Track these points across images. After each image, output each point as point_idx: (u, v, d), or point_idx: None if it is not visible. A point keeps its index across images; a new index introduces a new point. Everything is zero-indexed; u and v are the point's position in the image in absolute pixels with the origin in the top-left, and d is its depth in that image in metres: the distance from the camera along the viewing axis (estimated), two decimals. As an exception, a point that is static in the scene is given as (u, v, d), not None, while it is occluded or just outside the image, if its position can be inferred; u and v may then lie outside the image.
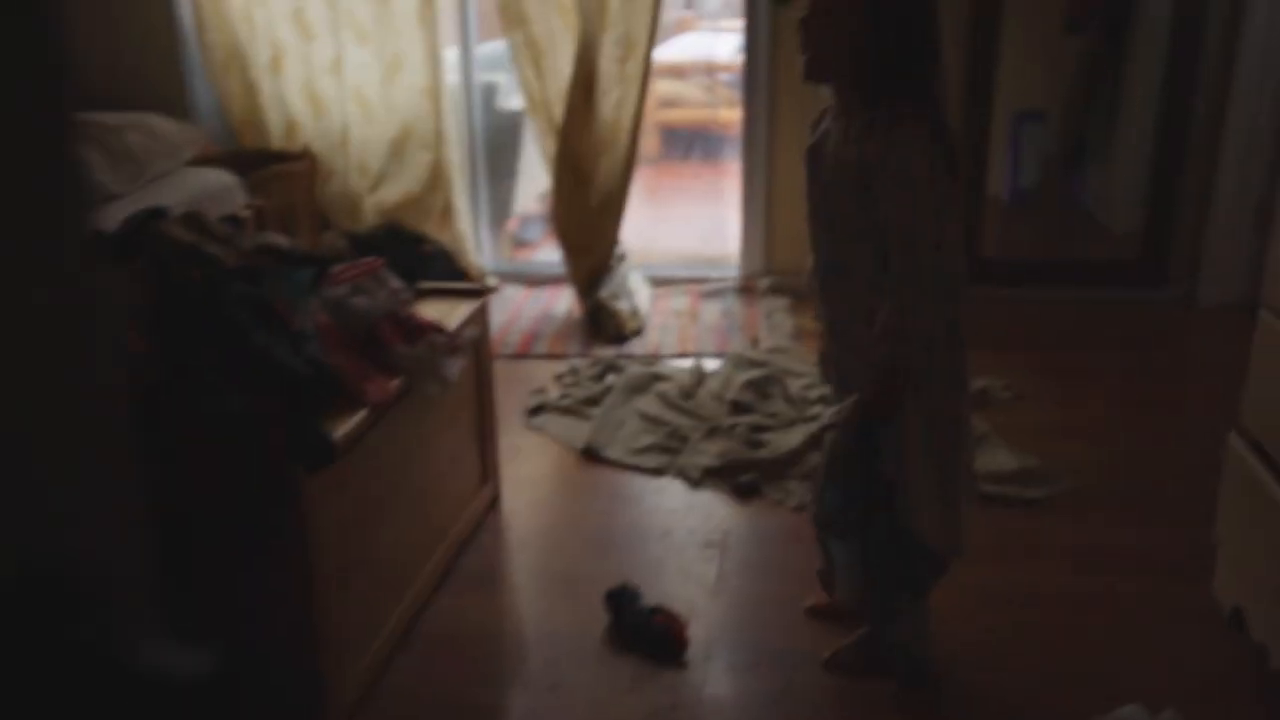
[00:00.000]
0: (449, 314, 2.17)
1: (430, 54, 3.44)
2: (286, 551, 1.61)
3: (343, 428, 1.65)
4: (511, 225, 4.21)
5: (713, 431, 2.66)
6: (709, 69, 6.09)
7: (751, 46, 3.51)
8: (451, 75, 3.63)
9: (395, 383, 1.84)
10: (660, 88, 6.08)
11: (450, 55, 3.61)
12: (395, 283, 2.06)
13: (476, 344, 2.25)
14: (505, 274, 3.82)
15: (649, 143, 6.05)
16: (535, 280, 3.79)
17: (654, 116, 6.06)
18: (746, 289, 3.67)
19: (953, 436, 1.67)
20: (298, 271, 1.88)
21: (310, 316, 1.80)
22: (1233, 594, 1.88)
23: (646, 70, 3.27)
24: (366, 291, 1.97)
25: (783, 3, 3.04)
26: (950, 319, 1.62)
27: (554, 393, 2.92)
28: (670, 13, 6.20)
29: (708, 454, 2.56)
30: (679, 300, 3.61)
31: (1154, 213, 3.48)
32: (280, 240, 2.06)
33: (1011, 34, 3.53)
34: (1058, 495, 2.40)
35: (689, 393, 2.88)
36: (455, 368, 2.02)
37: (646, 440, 2.65)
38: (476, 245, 3.79)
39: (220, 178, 3.15)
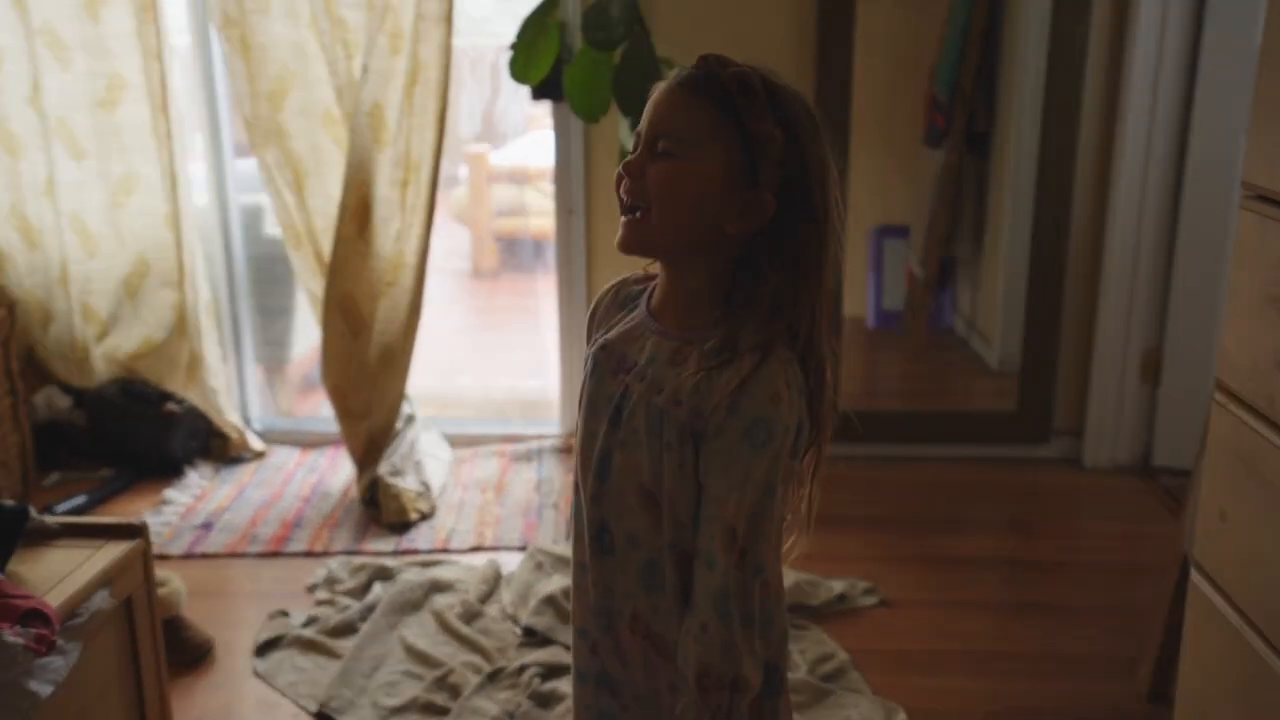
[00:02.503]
0: (77, 568, 1.49)
1: (166, 173, 2.79)
2: None
3: None
4: (301, 368, 3.52)
5: (494, 676, 2.01)
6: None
7: (564, 152, 2.95)
8: (202, 196, 2.98)
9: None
10: (500, 195, 5.54)
11: (199, 173, 2.96)
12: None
13: (130, 608, 1.57)
14: (278, 434, 3.14)
15: (486, 256, 5.49)
16: (314, 441, 3.11)
17: (493, 225, 5.50)
18: (569, 449, 3.06)
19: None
20: None
21: None
22: None
23: (433, 195, 2.70)
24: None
25: (592, 120, 2.49)
26: (773, 663, 1.04)
27: (298, 617, 2.23)
28: (520, 110, 5.69)
29: (484, 715, 1.91)
30: (486, 465, 2.98)
31: (1032, 351, 3.00)
32: None
33: (868, 142, 3.09)
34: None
35: (474, 610, 2.23)
36: (54, 673, 1.33)
37: (406, 694, 1.98)
38: (240, 400, 3.12)
39: None
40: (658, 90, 1.02)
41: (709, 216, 0.99)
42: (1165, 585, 1.97)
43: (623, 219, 1.02)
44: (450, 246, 5.44)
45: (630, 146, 1.05)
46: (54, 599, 1.41)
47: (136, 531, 1.59)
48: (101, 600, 1.47)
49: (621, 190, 1.01)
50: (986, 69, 3.26)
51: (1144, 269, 2.83)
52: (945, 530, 2.65)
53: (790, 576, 2.32)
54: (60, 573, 1.47)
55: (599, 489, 1.06)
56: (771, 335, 0.98)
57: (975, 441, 3.06)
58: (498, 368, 4.17)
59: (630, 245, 1.03)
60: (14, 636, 1.29)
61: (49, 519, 1.59)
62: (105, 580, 1.49)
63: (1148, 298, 2.84)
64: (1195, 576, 1.39)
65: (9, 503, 1.54)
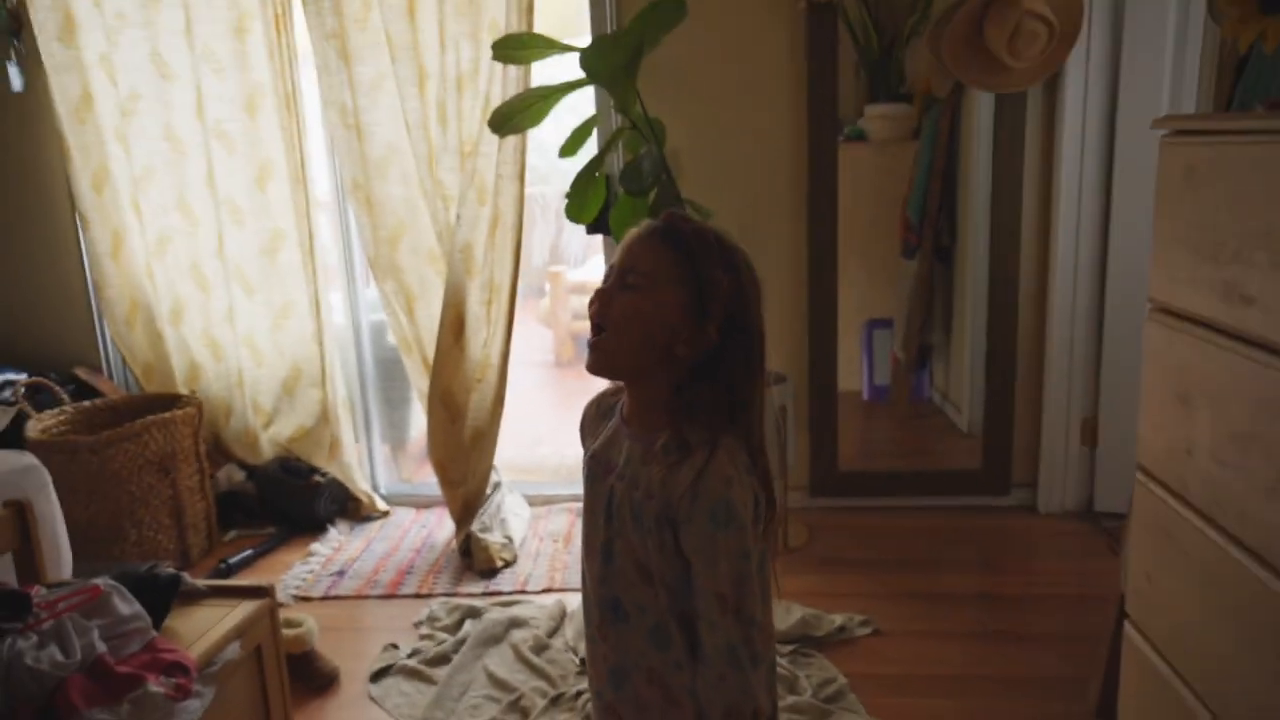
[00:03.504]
0: (216, 624, 1.44)
1: (313, 301, 2.80)
2: None
3: None
4: (417, 446, 3.49)
5: (556, 700, 1.91)
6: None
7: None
8: (339, 317, 2.99)
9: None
10: (575, 303, 5.53)
11: (337, 300, 2.98)
12: (124, 608, 1.32)
13: (260, 655, 1.51)
14: (398, 497, 3.09)
15: (565, 350, 5.46)
16: (426, 503, 3.05)
17: (570, 326, 5.49)
18: (623, 505, 2.96)
19: None
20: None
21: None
22: None
23: (511, 311, 2.66)
24: (65, 636, 1.23)
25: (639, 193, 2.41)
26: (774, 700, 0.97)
27: (404, 649, 2.15)
28: (579, 240, 5.71)
29: (546, 734, 1.80)
30: (558, 520, 2.89)
31: (992, 419, 2.85)
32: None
33: (857, 253, 3.01)
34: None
35: (543, 643, 2.12)
36: (190, 714, 1.27)
37: (485, 715, 1.88)
38: (369, 472, 3.08)
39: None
40: (632, 234, 0.97)
41: (663, 341, 0.94)
42: (1108, 615, 1.80)
43: (589, 341, 0.97)
44: (537, 344, 5.42)
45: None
46: (195, 651, 1.36)
47: (264, 592, 1.54)
48: (232, 651, 1.42)
49: (592, 312, 0.96)
50: (948, 198, 3.18)
51: (1079, 352, 2.68)
52: (928, 569, 2.48)
53: (797, 612, 2.18)
54: (202, 628, 1.42)
55: (605, 572, 1.00)
56: (716, 430, 0.94)
57: (950, 493, 2.90)
58: (571, 438, 4.09)
59: (596, 367, 0.97)
60: (158, 686, 1.24)
61: (200, 583, 1.55)
62: (237, 634, 1.44)
63: (1083, 374, 2.68)
64: (1129, 629, 1.25)
65: (168, 571, 1.50)
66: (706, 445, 0.92)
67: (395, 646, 2.16)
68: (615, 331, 0.94)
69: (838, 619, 2.17)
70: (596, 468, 1.02)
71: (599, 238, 3.25)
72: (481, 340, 2.64)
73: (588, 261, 5.71)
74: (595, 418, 1.09)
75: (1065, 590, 2.31)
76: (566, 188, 2.49)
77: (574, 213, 2.52)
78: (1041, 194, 2.67)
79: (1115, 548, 2.48)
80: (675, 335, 0.94)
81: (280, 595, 2.41)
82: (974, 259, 3.12)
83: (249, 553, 2.66)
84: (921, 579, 2.42)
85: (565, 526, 2.84)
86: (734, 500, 0.90)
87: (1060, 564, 2.47)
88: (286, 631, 1.96)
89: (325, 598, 2.45)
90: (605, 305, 0.95)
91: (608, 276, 0.97)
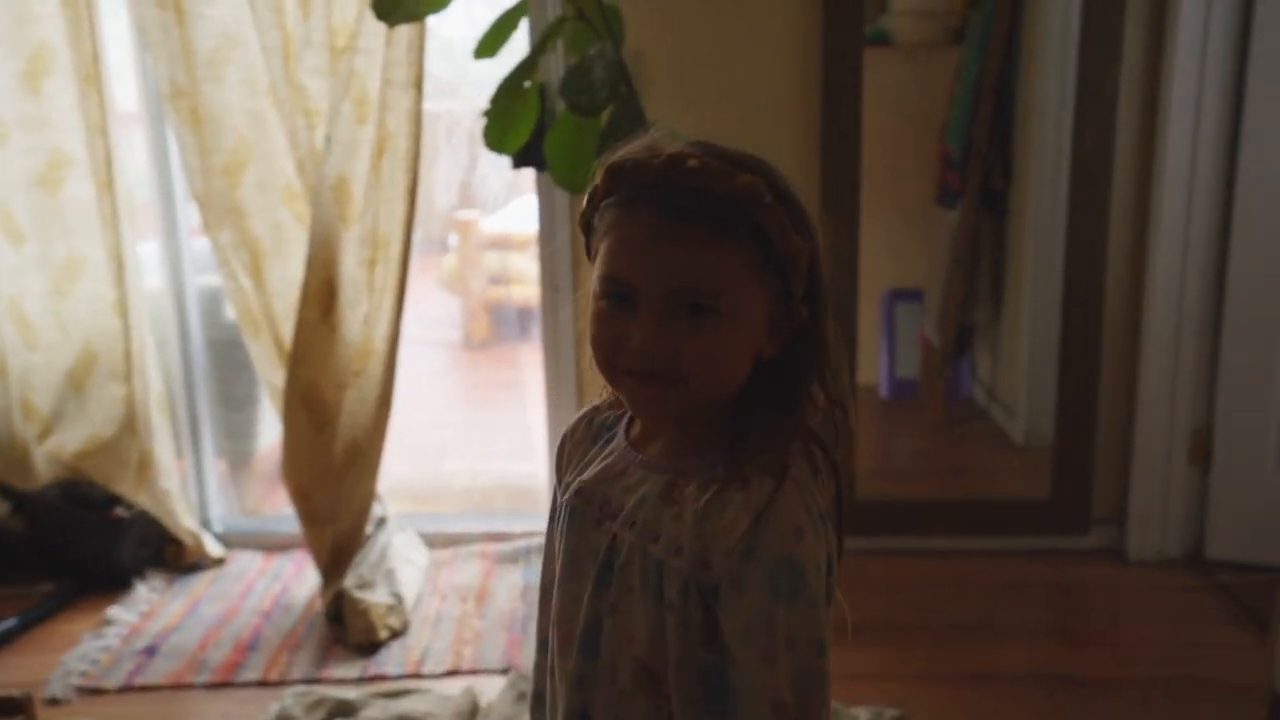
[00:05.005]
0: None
1: (113, 257, 2.56)
2: None
3: None
4: (269, 460, 3.26)
5: (466, 844, 1.72)
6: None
7: (548, 223, 2.72)
8: (154, 280, 2.75)
9: None
10: (492, 262, 5.32)
11: (150, 254, 2.74)
12: None
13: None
14: (240, 537, 2.88)
15: (478, 326, 5.26)
16: (280, 544, 2.84)
17: (483, 296, 5.28)
18: (559, 547, 2.78)
19: None
20: None
21: None
22: None
23: (403, 275, 2.47)
24: None
25: (576, 190, 2.25)
26: None
27: (243, 767, 1.94)
28: (501, 177, 5.49)
29: None
30: (467, 569, 2.70)
31: (1065, 430, 2.74)
32: None
33: (878, 202, 2.87)
34: None
35: (447, 755, 1.93)
36: None
37: None
38: (198, 501, 2.86)
39: None
40: (640, 231, 0.83)
41: (752, 355, 0.86)
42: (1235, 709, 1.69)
43: (641, 388, 0.86)
44: (439, 318, 5.21)
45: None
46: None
47: (18, 708, 1.31)
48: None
49: (641, 362, 0.83)
50: (1002, 123, 3.08)
51: (1189, 338, 2.57)
52: (977, 639, 2.36)
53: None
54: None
55: (585, 668, 0.88)
56: (782, 449, 0.84)
57: (1006, 532, 2.79)
58: (486, 449, 3.90)
59: (667, 414, 0.89)
60: None
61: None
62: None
63: (1194, 370, 2.59)
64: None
65: None
66: (769, 475, 0.82)
67: (229, 763, 1.95)
68: (701, 376, 0.84)
69: (862, 716, 2.03)
70: (586, 508, 0.91)
71: (528, 174, 3.09)
72: (361, 316, 2.45)
73: (511, 205, 5.50)
74: (583, 440, 0.99)
75: (1169, 671, 2.21)
76: (484, 103, 2.29)
77: (494, 138, 2.32)
78: (1143, 118, 2.55)
79: (1235, 610, 2.39)
80: (764, 342, 0.87)
81: (56, 689, 2.19)
82: (1039, 208, 3.02)
83: (11, 622, 2.43)
84: (970, 654, 2.30)
85: (477, 578, 2.65)
86: (804, 561, 0.81)
87: (1161, 633, 2.37)
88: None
89: (127, 688, 2.23)
90: (667, 352, 0.83)
91: (616, 301, 0.85)
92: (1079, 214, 2.64)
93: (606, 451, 0.94)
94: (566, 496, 0.94)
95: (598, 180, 0.86)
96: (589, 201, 0.88)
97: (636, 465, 0.90)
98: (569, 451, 1.00)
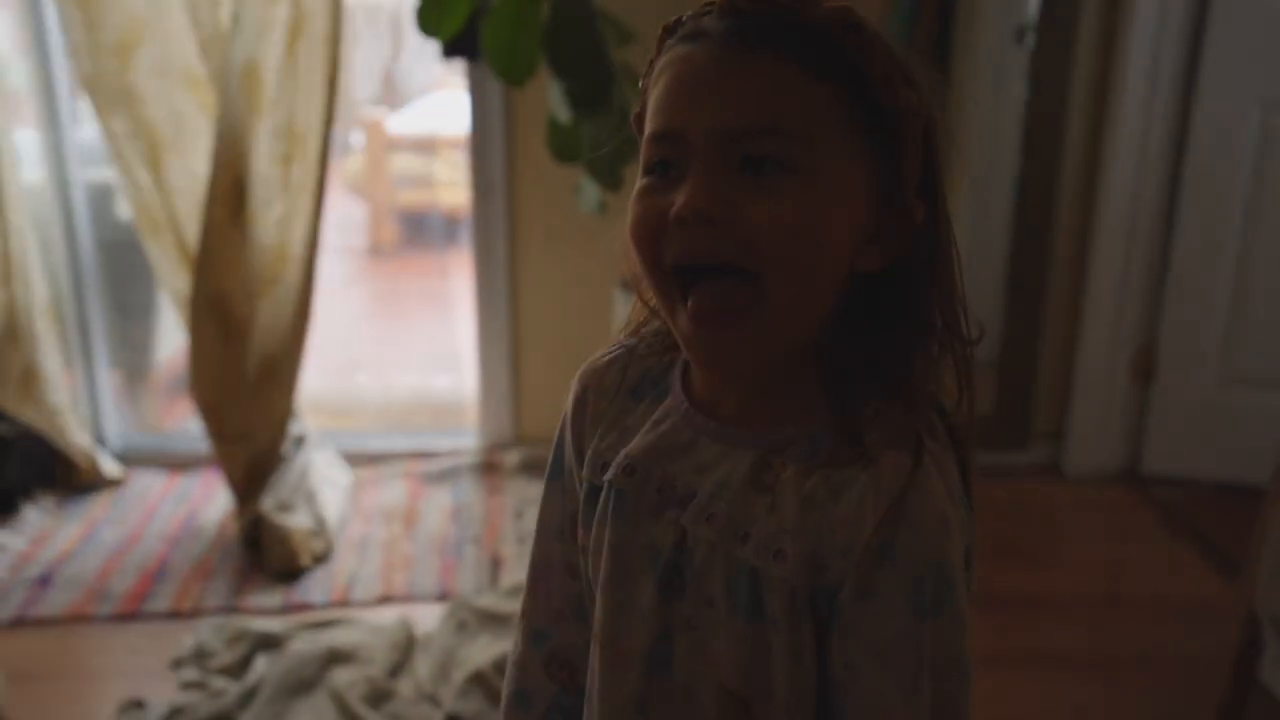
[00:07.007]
0: None
1: (-15, 145, 2.28)
2: None
3: None
4: (171, 372, 3.02)
5: (412, 785, 1.60)
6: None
7: (481, 119, 2.52)
8: (34, 173, 2.47)
9: None
10: (402, 165, 5.04)
11: (29, 143, 2.45)
12: None
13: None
14: (140, 454, 2.66)
15: (385, 232, 5.00)
16: (186, 462, 2.63)
17: (393, 200, 5.01)
18: (490, 466, 2.64)
19: None
20: None
21: None
22: None
23: (323, 172, 2.25)
24: None
25: (515, 82, 2.05)
26: None
27: (158, 707, 1.78)
28: (426, 69, 5.18)
29: (398, 843, 1.50)
30: (393, 490, 2.54)
31: (1009, 345, 2.68)
32: None
33: None
34: None
35: (382, 689, 1.81)
36: None
37: (297, 815, 1.56)
38: (91, 417, 2.62)
39: None
40: (696, 67, 0.63)
41: (845, 259, 0.64)
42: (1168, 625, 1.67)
43: (695, 307, 0.63)
44: (344, 221, 4.92)
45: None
46: None
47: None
48: None
49: (687, 247, 0.62)
50: (946, 24, 2.95)
51: (1139, 254, 2.53)
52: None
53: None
54: None
55: (651, 691, 0.69)
56: (917, 413, 0.65)
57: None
58: (402, 363, 3.70)
59: (738, 357, 0.65)
60: None
61: None
62: None
63: (1142, 287, 2.55)
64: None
65: None
66: (901, 448, 0.63)
67: (139, 705, 1.79)
68: (778, 272, 0.62)
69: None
70: (640, 492, 0.69)
71: (456, 66, 2.88)
72: (275, 218, 2.23)
73: (420, 102, 5.19)
74: (615, 392, 0.75)
75: (1097, 590, 2.20)
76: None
77: (429, 20, 2.10)
78: (1105, 19, 2.45)
79: (1169, 524, 2.40)
80: (860, 241, 0.64)
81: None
82: (990, 108, 2.91)
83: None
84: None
85: (404, 499, 2.50)
86: (954, 564, 0.63)
87: (1096, 551, 2.36)
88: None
89: (19, 622, 2.04)
90: (723, 211, 0.61)
91: (657, 157, 0.64)
92: (1033, 113, 2.55)
93: (659, 413, 0.71)
94: (611, 474, 0.70)
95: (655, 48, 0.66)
96: (643, 77, 0.67)
97: (707, 436, 0.69)
98: (591, 408, 0.76)
